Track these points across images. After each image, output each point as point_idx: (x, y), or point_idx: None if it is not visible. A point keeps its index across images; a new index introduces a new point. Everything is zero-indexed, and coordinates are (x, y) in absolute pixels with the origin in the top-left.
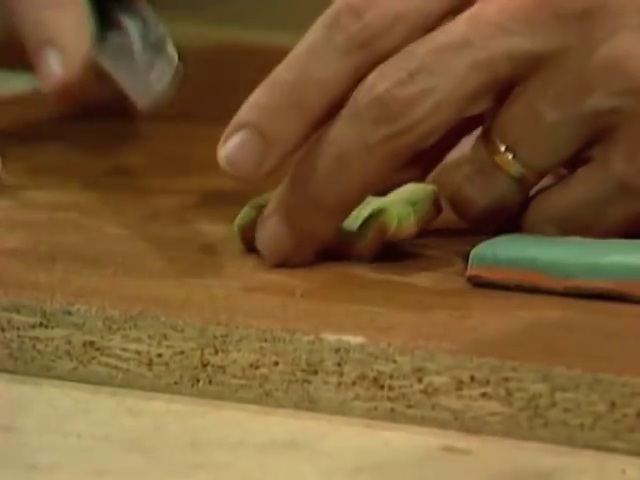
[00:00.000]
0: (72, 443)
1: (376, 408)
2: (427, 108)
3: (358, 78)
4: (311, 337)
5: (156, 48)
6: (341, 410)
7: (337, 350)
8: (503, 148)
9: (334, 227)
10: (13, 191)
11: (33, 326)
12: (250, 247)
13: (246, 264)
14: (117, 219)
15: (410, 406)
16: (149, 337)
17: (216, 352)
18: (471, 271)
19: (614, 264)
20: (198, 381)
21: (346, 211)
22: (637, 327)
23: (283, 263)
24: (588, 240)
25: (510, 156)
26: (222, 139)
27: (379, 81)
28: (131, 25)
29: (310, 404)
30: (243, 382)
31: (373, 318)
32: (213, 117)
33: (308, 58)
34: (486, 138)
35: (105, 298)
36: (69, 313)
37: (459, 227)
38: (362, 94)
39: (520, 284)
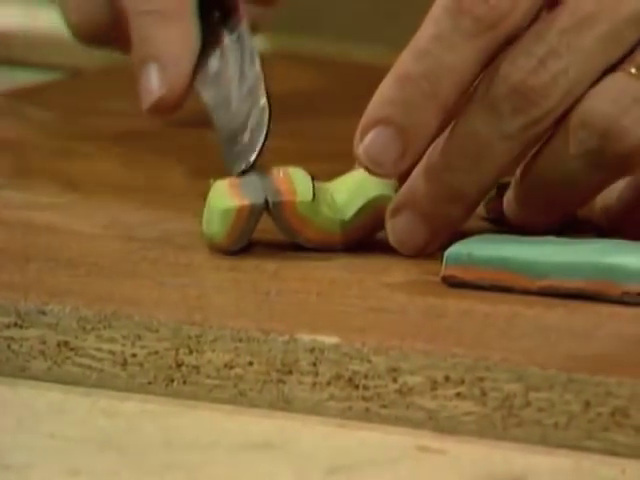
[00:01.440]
0: (46, 443)
1: (351, 408)
2: (562, 91)
3: (488, 59)
4: (286, 337)
5: (251, 94)
6: (316, 410)
7: (312, 350)
8: None
9: (471, 213)
10: None
11: (7, 326)
12: (221, 251)
13: (220, 263)
14: (91, 219)
15: (385, 406)
16: (123, 337)
17: (190, 352)
18: (446, 271)
19: (588, 264)
20: (172, 381)
21: (484, 196)
22: (611, 327)
23: (419, 254)
24: (562, 240)
25: None
26: (357, 136)
27: (512, 71)
28: (231, 54)
29: (285, 404)
30: (217, 382)
31: (348, 318)
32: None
33: (437, 46)
34: (626, 68)
35: (79, 298)
36: (43, 313)
37: None
38: (496, 85)
39: (495, 284)
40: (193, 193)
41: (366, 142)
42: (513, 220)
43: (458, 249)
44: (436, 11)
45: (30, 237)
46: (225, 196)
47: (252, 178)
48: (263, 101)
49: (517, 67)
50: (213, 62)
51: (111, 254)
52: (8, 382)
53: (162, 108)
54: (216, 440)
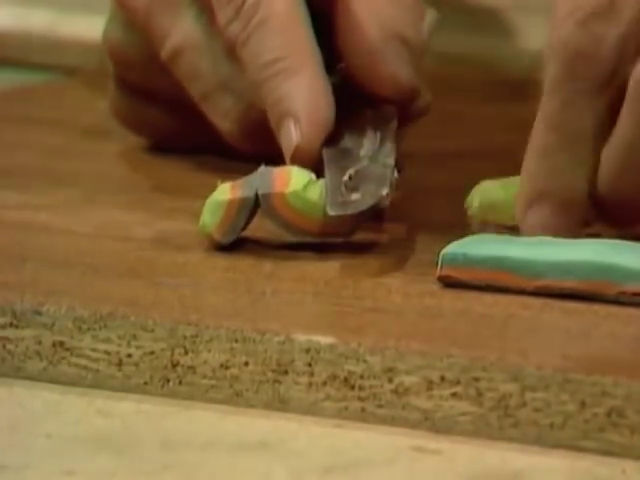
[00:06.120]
0: (42, 443)
1: (347, 408)
2: None
3: (615, 105)
4: (281, 337)
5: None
6: (312, 410)
7: (307, 350)
8: None
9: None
10: None
11: (3, 326)
12: (217, 246)
13: (216, 264)
14: (87, 219)
15: (381, 406)
16: (119, 337)
17: (186, 352)
18: (441, 271)
19: (584, 263)
20: (168, 381)
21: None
22: (607, 327)
23: None
24: (558, 240)
25: None
26: (522, 207)
27: None
28: (368, 142)
29: (281, 404)
30: (213, 382)
31: (343, 318)
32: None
33: (567, 116)
34: None
35: (75, 298)
36: (39, 313)
37: (430, 227)
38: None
39: (490, 284)
40: (189, 193)
41: (533, 216)
42: None
43: (454, 249)
44: (551, 81)
45: (26, 237)
46: (223, 190)
47: (254, 175)
48: (385, 188)
49: None
50: (348, 141)
51: (107, 254)
52: (3, 382)
53: (300, 158)
54: (212, 440)
